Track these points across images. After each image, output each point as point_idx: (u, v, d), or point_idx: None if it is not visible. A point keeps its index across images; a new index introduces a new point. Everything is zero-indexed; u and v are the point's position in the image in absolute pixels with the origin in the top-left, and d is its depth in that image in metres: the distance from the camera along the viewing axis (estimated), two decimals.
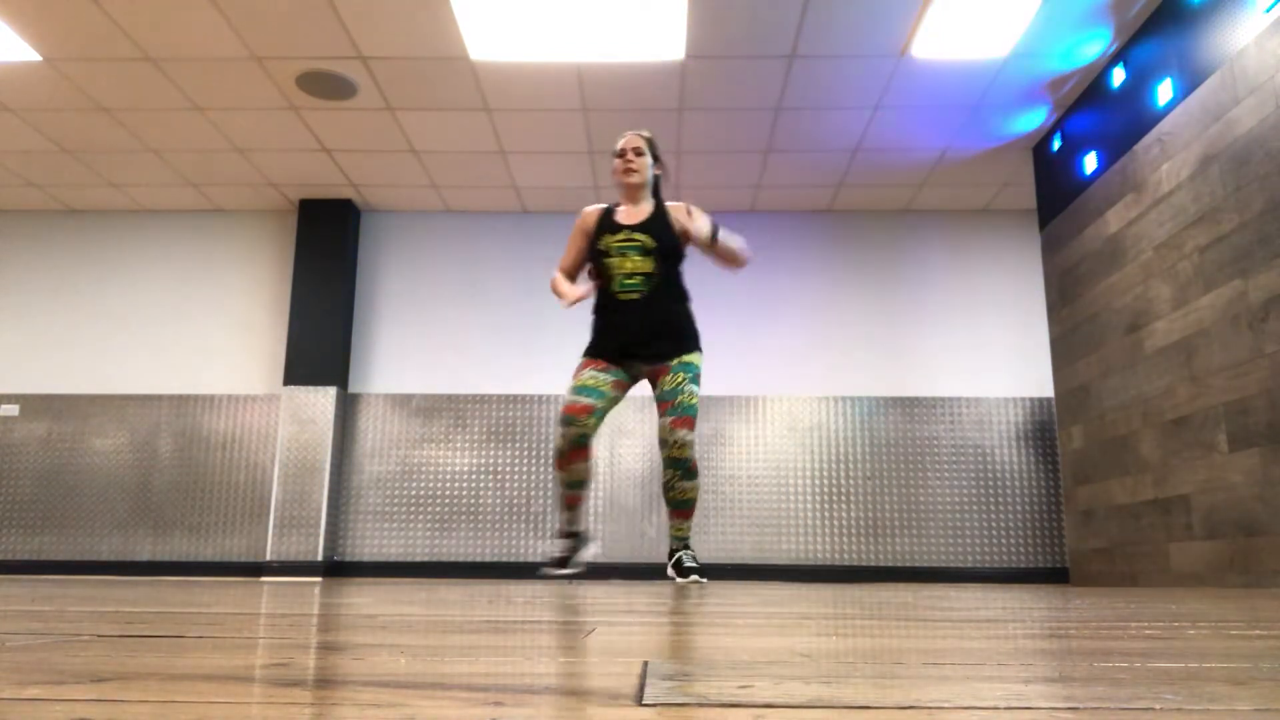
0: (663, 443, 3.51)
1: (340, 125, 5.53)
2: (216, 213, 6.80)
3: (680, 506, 3.62)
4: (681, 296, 3.61)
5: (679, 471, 3.53)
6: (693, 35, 4.62)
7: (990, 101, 5.26)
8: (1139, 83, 4.56)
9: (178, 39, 4.65)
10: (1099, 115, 4.97)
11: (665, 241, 3.55)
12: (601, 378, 3.53)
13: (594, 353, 3.59)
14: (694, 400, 3.51)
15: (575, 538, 3.70)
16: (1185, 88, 4.16)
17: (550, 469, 6.29)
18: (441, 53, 4.78)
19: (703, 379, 6.37)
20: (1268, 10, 3.59)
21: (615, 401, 3.60)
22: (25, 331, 6.60)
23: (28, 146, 5.79)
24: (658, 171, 3.72)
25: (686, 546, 3.70)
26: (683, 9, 4.40)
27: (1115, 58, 4.78)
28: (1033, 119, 5.45)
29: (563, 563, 3.68)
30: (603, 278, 3.60)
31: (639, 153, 3.64)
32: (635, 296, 3.52)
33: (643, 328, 3.52)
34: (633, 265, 3.53)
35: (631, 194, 3.65)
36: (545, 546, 6.17)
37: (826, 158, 5.91)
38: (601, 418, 3.55)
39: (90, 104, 5.28)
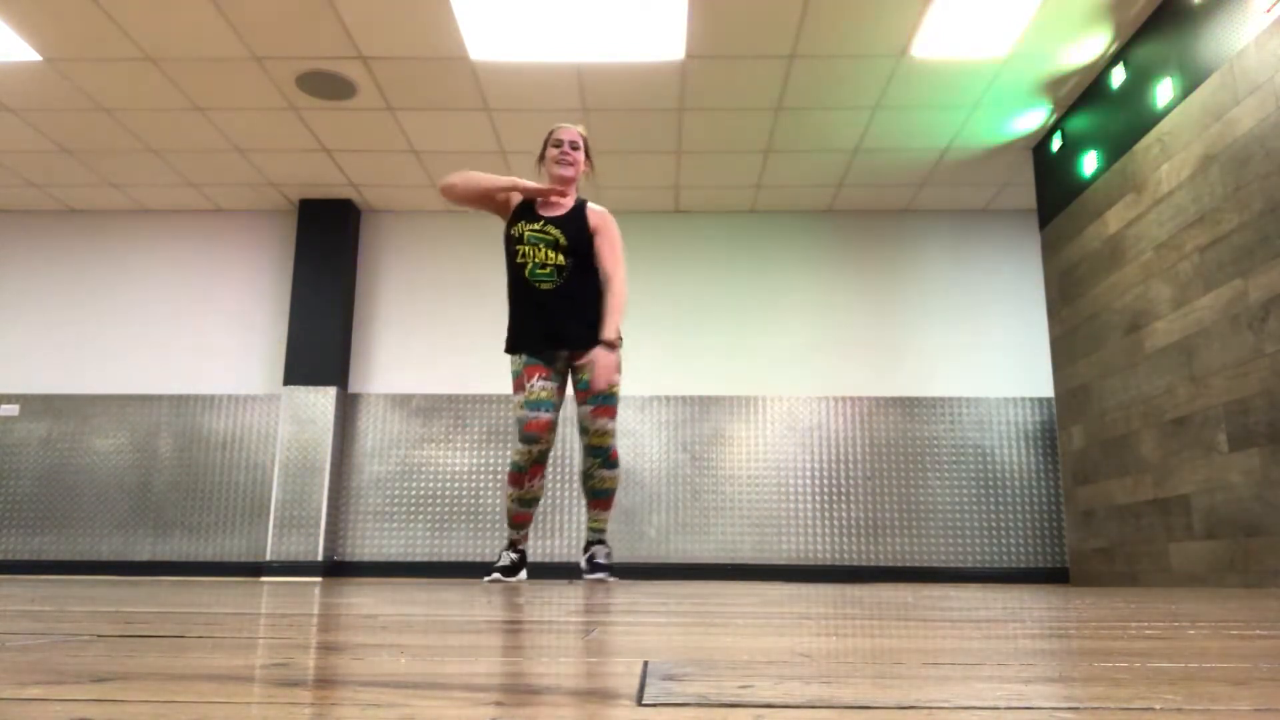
0: (583, 430, 3.53)
1: (340, 125, 5.53)
2: (217, 212, 6.80)
3: (599, 496, 3.63)
4: (595, 287, 3.62)
5: (598, 460, 3.55)
6: (693, 35, 4.62)
7: (990, 101, 5.26)
8: (1139, 83, 4.56)
9: (178, 39, 4.65)
10: (1099, 115, 4.97)
11: (575, 241, 3.57)
12: (550, 386, 3.54)
13: (523, 347, 3.57)
14: (615, 390, 3.52)
15: (523, 554, 3.73)
16: (1185, 88, 4.16)
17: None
18: (441, 53, 4.78)
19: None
20: (1268, 10, 3.59)
21: (560, 408, 3.63)
22: (25, 331, 6.60)
23: (28, 146, 5.79)
24: (586, 170, 3.74)
25: (602, 541, 3.70)
26: (683, 9, 4.40)
27: (1115, 58, 4.78)
28: (1033, 119, 5.45)
29: (508, 572, 3.68)
30: (511, 263, 3.62)
31: (575, 146, 3.65)
32: (549, 286, 3.54)
33: (561, 313, 3.54)
34: (543, 256, 3.55)
35: (559, 184, 3.66)
36: (561, 547, 6.17)
37: (826, 158, 5.91)
38: (555, 432, 3.59)
39: (90, 104, 5.28)
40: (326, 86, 5.08)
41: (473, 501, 6.26)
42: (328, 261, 6.47)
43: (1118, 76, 4.76)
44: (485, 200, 3.65)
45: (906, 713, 0.52)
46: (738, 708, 0.53)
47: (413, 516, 6.25)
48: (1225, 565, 3.86)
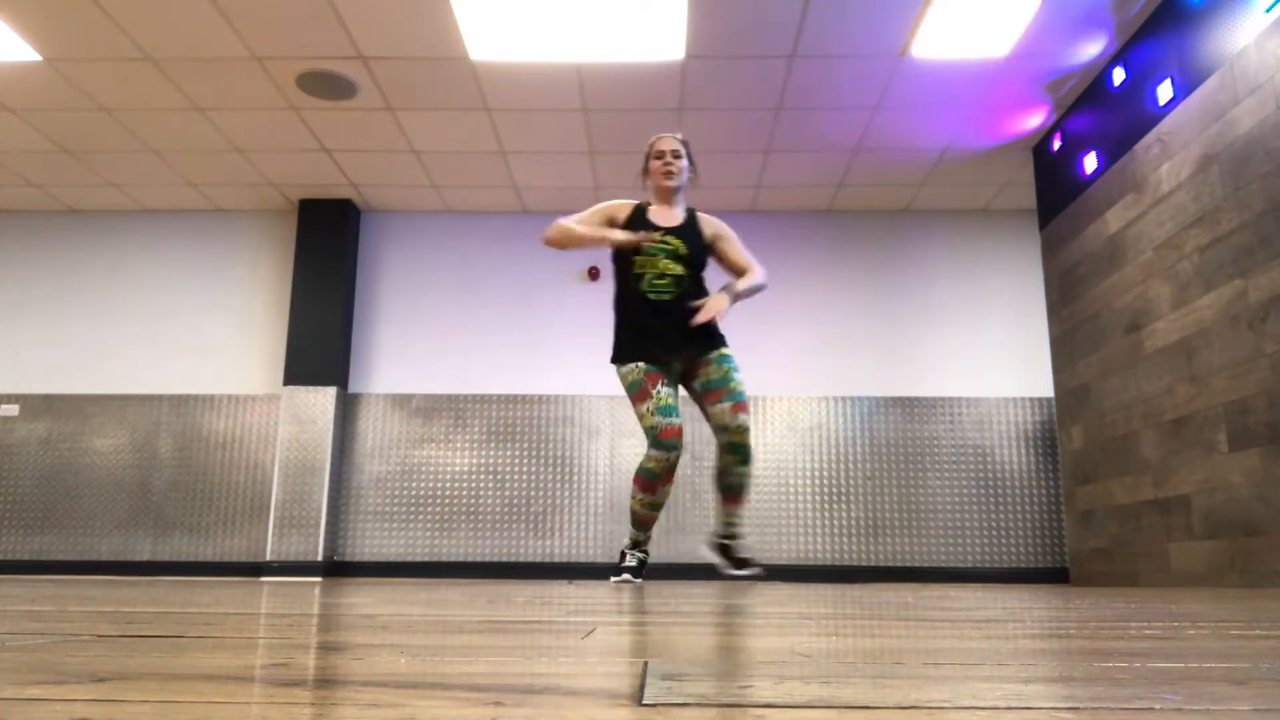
0: (722, 429, 3.47)
1: (340, 125, 5.53)
2: (216, 213, 6.80)
3: (736, 492, 3.56)
4: (706, 295, 3.61)
5: (737, 457, 3.49)
6: (693, 35, 4.62)
7: (990, 101, 5.26)
8: (1139, 83, 4.56)
9: (178, 39, 4.65)
10: (1099, 115, 4.97)
11: (695, 251, 3.56)
12: (673, 393, 3.52)
13: (641, 356, 3.52)
14: (743, 387, 3.52)
15: (646, 553, 3.72)
16: (1185, 88, 4.16)
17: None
18: (441, 53, 4.78)
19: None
20: (1268, 10, 3.59)
21: None
22: (25, 331, 6.60)
23: (28, 146, 5.79)
24: (692, 175, 3.72)
25: (736, 536, 3.63)
26: (683, 9, 4.40)
27: (1115, 58, 4.78)
28: (1033, 119, 5.45)
29: (636, 573, 3.67)
30: (625, 275, 3.57)
31: (677, 155, 3.64)
32: (667, 297, 3.50)
33: (679, 327, 3.50)
34: (663, 267, 3.51)
35: (665, 195, 3.65)
36: (561, 547, 6.17)
37: (826, 158, 5.91)
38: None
39: (90, 104, 5.28)
40: (326, 86, 5.08)
41: (473, 501, 6.26)
42: (328, 261, 6.47)
43: (1118, 76, 4.76)
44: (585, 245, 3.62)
45: (906, 713, 0.52)
46: (738, 708, 0.53)
47: (413, 516, 6.25)
48: (1225, 565, 3.86)
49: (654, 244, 3.51)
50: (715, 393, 3.50)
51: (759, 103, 5.24)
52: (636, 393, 3.49)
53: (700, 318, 3.37)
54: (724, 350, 3.57)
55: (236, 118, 5.45)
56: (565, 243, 3.49)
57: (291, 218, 6.79)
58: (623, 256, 3.57)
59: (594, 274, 6.57)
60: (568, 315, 6.55)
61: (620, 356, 3.56)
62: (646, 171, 3.70)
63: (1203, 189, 4.01)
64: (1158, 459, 4.34)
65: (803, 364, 6.43)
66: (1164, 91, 4.33)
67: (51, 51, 4.75)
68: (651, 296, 3.50)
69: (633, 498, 3.57)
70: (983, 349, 6.44)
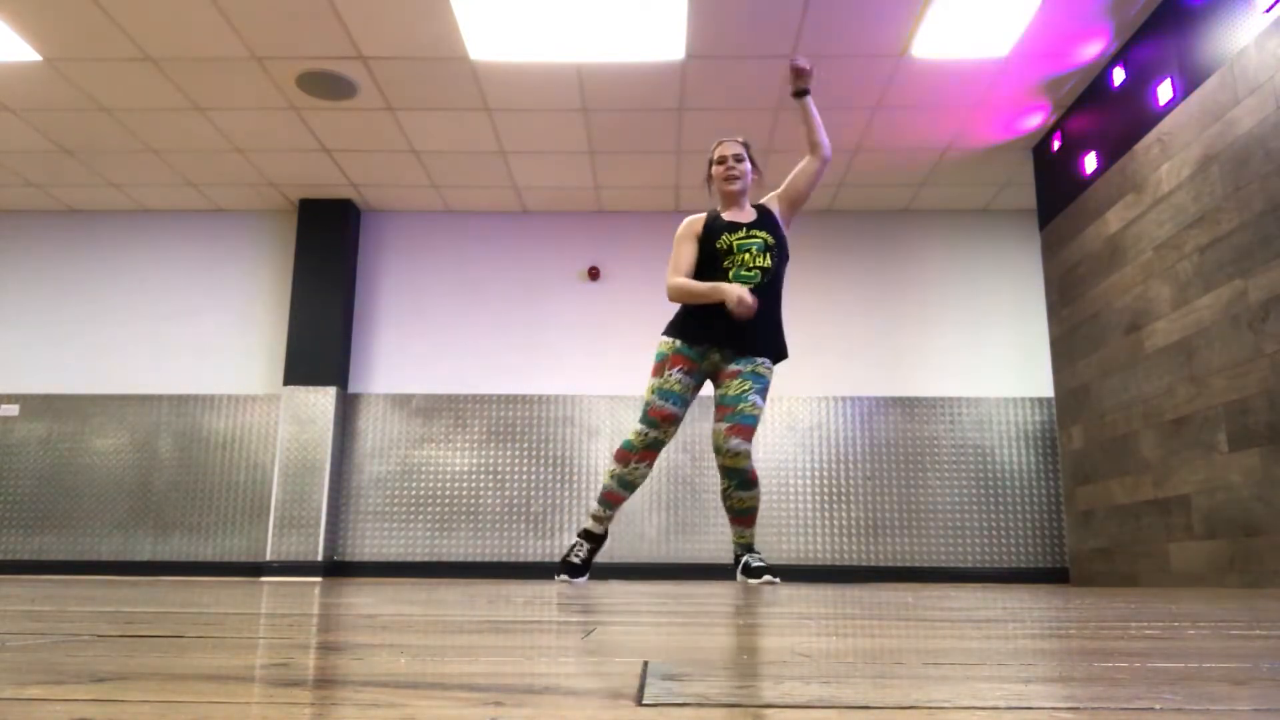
0: (716, 450, 3.47)
1: (340, 125, 5.53)
2: (216, 213, 6.80)
3: (740, 515, 3.57)
4: (780, 301, 3.63)
5: (734, 482, 3.48)
6: (693, 35, 4.62)
7: (990, 101, 5.26)
8: (1139, 83, 4.56)
9: (178, 39, 4.65)
10: (1099, 115, 4.97)
11: (780, 238, 3.60)
12: (686, 382, 3.52)
13: (693, 337, 3.53)
14: (756, 411, 3.46)
15: (599, 541, 3.69)
16: (1185, 88, 4.16)
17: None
18: (441, 53, 4.78)
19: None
20: (1268, 10, 3.59)
21: (688, 408, 3.60)
22: (25, 331, 6.60)
23: (28, 146, 5.79)
24: (756, 177, 3.76)
25: (751, 550, 3.64)
26: (683, 9, 4.40)
27: (1115, 58, 4.78)
28: (1033, 119, 5.45)
29: (579, 571, 3.64)
30: (715, 273, 3.57)
31: (739, 159, 3.69)
32: (752, 285, 3.52)
33: (733, 322, 3.50)
34: (753, 259, 3.54)
35: (732, 199, 3.69)
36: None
37: None
38: (677, 427, 3.57)
39: (90, 104, 5.28)
40: (326, 86, 5.08)
41: (473, 501, 6.26)
42: (328, 261, 6.47)
43: (1118, 76, 4.76)
44: (693, 274, 3.63)
45: (906, 713, 0.52)
46: (738, 708, 0.53)
47: (413, 516, 6.25)
48: (1225, 565, 3.86)
49: (742, 240, 3.55)
50: (723, 409, 3.50)
51: (759, 103, 5.24)
52: (655, 365, 3.56)
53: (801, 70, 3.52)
54: (759, 367, 3.53)
55: (236, 118, 5.45)
56: (686, 300, 3.55)
57: (291, 218, 6.79)
58: (717, 262, 3.57)
59: (594, 274, 6.57)
60: (568, 315, 6.55)
61: (670, 328, 3.61)
62: (710, 178, 3.74)
63: (1203, 189, 4.01)
64: (1158, 459, 4.34)
65: (802, 364, 6.43)
66: (1164, 91, 4.33)
67: (51, 51, 4.75)
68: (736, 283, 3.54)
69: (607, 473, 3.60)
70: (983, 349, 6.44)
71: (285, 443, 6.19)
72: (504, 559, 6.16)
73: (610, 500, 3.62)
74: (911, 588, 3.92)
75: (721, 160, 3.69)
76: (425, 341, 6.55)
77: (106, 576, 5.73)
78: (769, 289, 3.56)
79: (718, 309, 3.51)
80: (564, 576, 3.65)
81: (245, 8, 4.40)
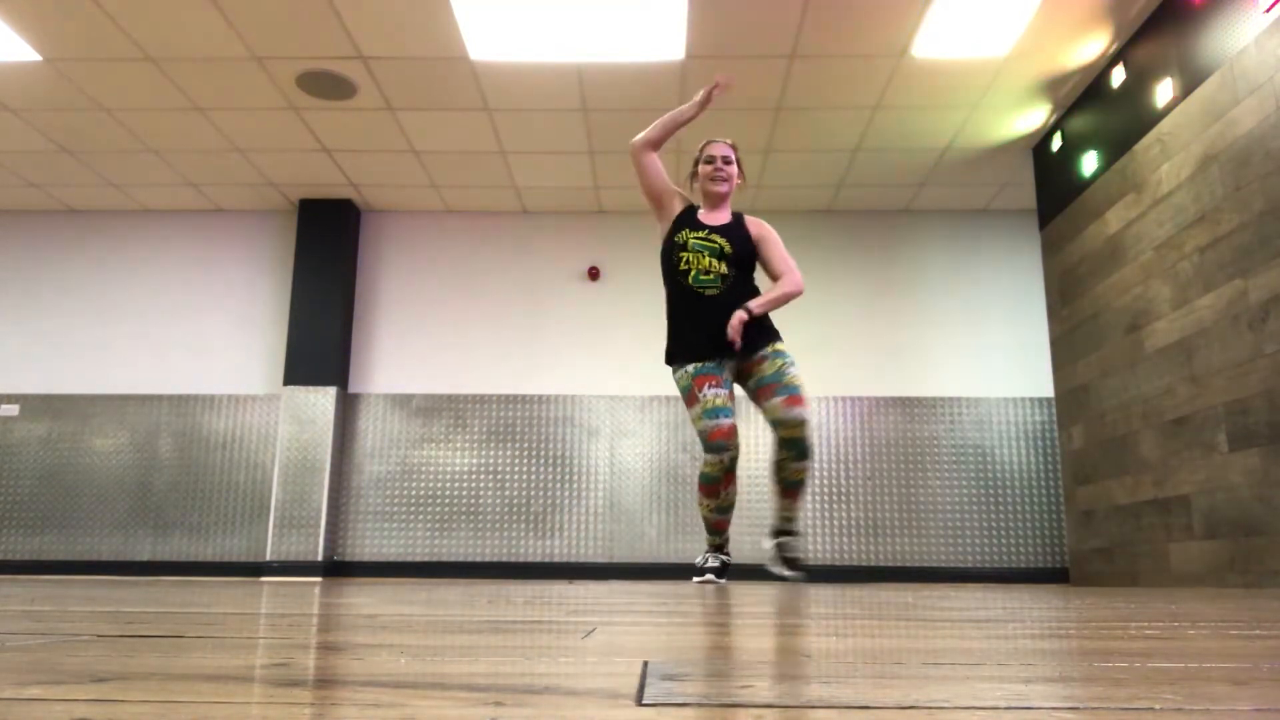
0: (777, 423, 3.43)
1: (340, 125, 5.53)
2: (217, 212, 6.80)
3: (792, 487, 3.52)
4: (756, 294, 3.60)
5: (793, 452, 3.45)
6: (693, 35, 4.62)
7: (990, 101, 5.26)
8: (1139, 83, 4.56)
9: (178, 39, 4.65)
10: (1099, 115, 4.96)
11: (740, 250, 3.56)
12: (723, 394, 3.49)
13: (689, 357, 3.52)
14: (800, 380, 3.46)
15: (728, 554, 3.70)
16: (1185, 88, 4.16)
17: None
18: (441, 53, 4.78)
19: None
20: (1267, 10, 3.59)
21: (735, 413, 3.58)
22: (25, 331, 6.60)
23: (28, 146, 5.79)
24: (739, 182, 3.74)
25: (792, 532, 3.59)
26: (683, 9, 4.40)
27: (1115, 58, 4.78)
28: (1033, 119, 5.45)
29: (719, 573, 3.65)
30: (673, 274, 3.57)
31: (728, 161, 3.67)
32: (715, 292, 3.51)
33: (726, 320, 3.49)
34: (708, 264, 3.52)
35: (714, 200, 3.67)
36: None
37: (826, 158, 5.91)
38: (738, 437, 3.53)
39: (90, 104, 5.28)
40: (326, 86, 5.08)
41: (473, 501, 6.26)
42: (328, 261, 6.47)
43: (1118, 76, 4.76)
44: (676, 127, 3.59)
45: (906, 713, 0.52)
46: (738, 708, 0.53)
47: (413, 516, 6.25)
48: (1225, 565, 3.86)
49: (699, 240, 3.53)
50: (769, 388, 3.47)
51: (759, 102, 5.24)
52: (687, 398, 3.51)
53: (731, 335, 3.38)
54: (777, 345, 3.53)
55: (236, 118, 5.45)
56: (663, 135, 3.55)
57: (291, 218, 6.79)
58: (673, 252, 3.57)
59: (594, 274, 6.57)
60: (567, 315, 6.54)
61: (672, 358, 3.58)
62: (695, 175, 3.72)
63: (1203, 189, 4.01)
64: (1158, 459, 4.34)
65: (803, 364, 6.43)
66: (1164, 91, 4.33)
67: (51, 51, 4.75)
68: (701, 292, 3.51)
69: (700, 505, 3.57)
70: (983, 349, 6.44)
71: (285, 443, 6.19)
72: (504, 559, 6.16)
73: (718, 528, 3.61)
74: (912, 588, 3.92)
75: (710, 160, 3.66)
76: (425, 341, 6.55)
77: (106, 576, 5.73)
78: (732, 294, 3.51)
79: (701, 322, 3.50)
80: (710, 576, 3.63)
81: (245, 8, 4.40)
